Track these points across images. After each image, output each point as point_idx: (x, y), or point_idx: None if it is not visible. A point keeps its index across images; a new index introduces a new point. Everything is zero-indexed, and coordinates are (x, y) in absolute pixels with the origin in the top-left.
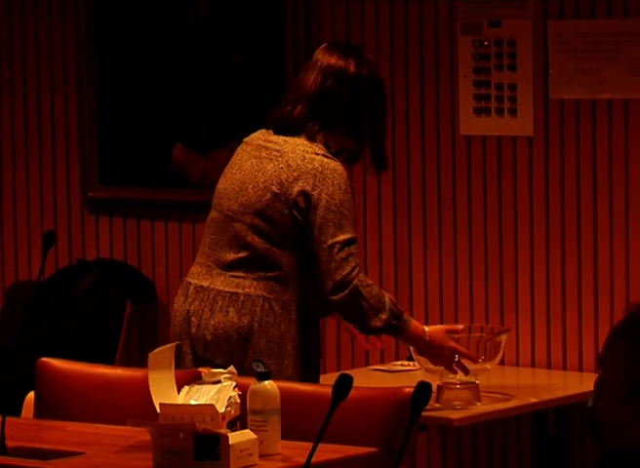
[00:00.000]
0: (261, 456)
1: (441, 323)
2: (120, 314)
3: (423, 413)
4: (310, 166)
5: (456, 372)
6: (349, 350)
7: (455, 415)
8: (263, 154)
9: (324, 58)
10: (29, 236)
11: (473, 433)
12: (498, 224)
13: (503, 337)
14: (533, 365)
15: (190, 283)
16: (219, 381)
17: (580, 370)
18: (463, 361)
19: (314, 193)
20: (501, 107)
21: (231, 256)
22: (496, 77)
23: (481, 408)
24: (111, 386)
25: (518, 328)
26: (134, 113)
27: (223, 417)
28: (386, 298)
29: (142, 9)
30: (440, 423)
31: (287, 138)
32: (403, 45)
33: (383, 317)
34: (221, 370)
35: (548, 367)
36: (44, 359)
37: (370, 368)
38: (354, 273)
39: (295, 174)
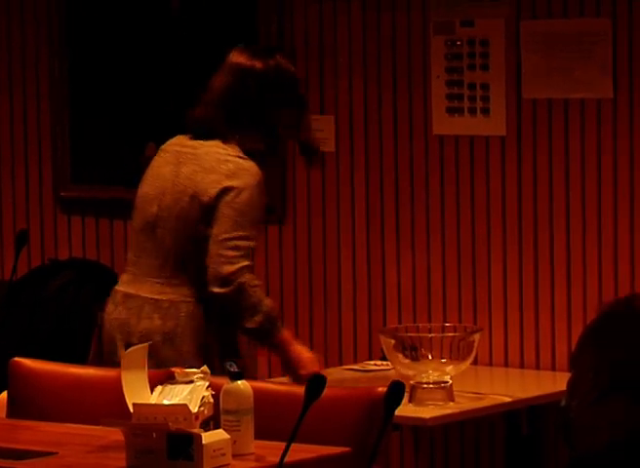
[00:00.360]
0: (235, 456)
1: (414, 322)
2: (92, 313)
3: (396, 413)
4: (225, 167)
5: None
6: (322, 350)
7: (428, 415)
8: (180, 159)
9: (233, 58)
10: (1, 235)
11: (446, 433)
12: (470, 224)
13: (476, 337)
14: (506, 364)
15: (118, 291)
16: (192, 381)
17: (554, 369)
18: None
19: (225, 192)
20: (474, 107)
21: (154, 263)
22: (468, 77)
23: (454, 407)
24: (84, 386)
25: (491, 327)
26: (107, 112)
27: (196, 417)
28: (267, 302)
29: (115, 9)
30: (413, 423)
31: (202, 142)
32: (375, 44)
33: (258, 319)
34: (194, 369)
35: (521, 366)
36: (16, 359)
37: (343, 367)
38: (243, 271)
39: (210, 176)
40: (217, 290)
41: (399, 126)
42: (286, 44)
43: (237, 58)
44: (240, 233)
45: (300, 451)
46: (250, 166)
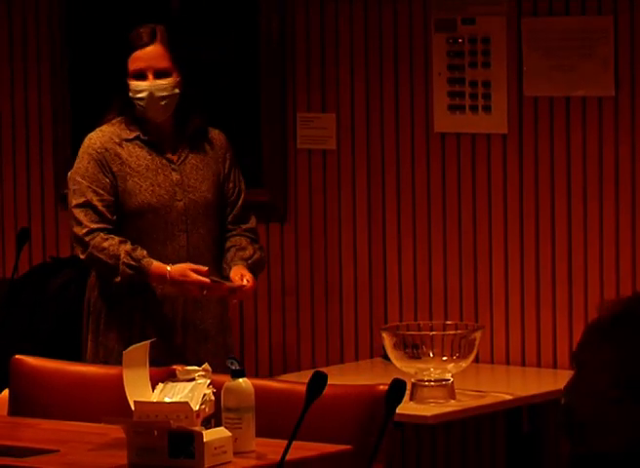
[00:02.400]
0: (236, 454)
1: (415, 320)
2: None
3: (398, 411)
4: None
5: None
6: (324, 347)
7: (429, 413)
8: None
9: None
10: (3, 233)
11: (447, 431)
12: (472, 222)
13: (478, 335)
14: (507, 362)
15: None
16: (193, 379)
17: (555, 367)
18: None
19: None
20: (475, 105)
21: None
22: (470, 74)
23: (455, 405)
24: (86, 384)
25: (492, 325)
26: (107, 110)
27: (198, 415)
28: (121, 253)
29: (115, 9)
30: (414, 421)
31: None
32: (377, 42)
33: (120, 270)
34: (196, 367)
35: (522, 364)
36: (18, 356)
37: (344, 365)
38: (87, 238)
39: None
40: (79, 256)
41: (400, 124)
42: (287, 42)
43: None
44: (75, 201)
45: (302, 449)
46: (89, 136)
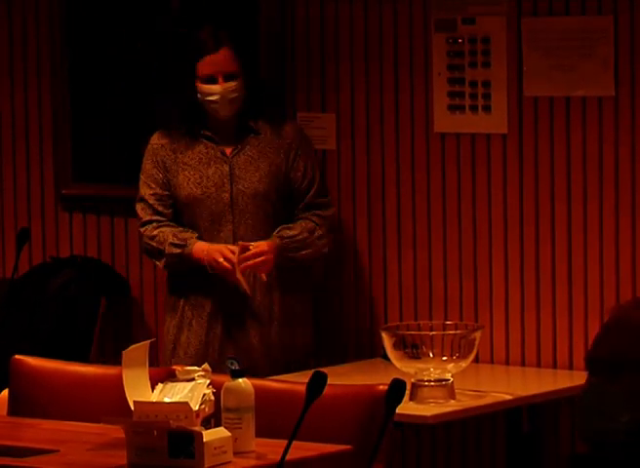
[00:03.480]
0: (236, 454)
1: (415, 320)
2: (94, 311)
3: (398, 411)
4: None
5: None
6: (324, 348)
7: (429, 413)
8: None
9: None
10: (3, 233)
11: (447, 431)
12: (472, 221)
13: (477, 335)
14: (507, 362)
15: None
16: (193, 379)
17: (555, 367)
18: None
19: None
20: (475, 105)
21: None
22: (470, 74)
23: (455, 405)
24: (86, 384)
25: (492, 325)
26: (107, 110)
27: (197, 415)
28: (169, 236)
29: (115, 9)
30: (414, 421)
31: None
32: (377, 42)
33: (166, 253)
34: (195, 367)
35: (522, 364)
36: (18, 356)
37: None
38: (142, 229)
39: None
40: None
41: (400, 124)
42: (287, 42)
43: None
44: (138, 195)
45: (302, 449)
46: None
